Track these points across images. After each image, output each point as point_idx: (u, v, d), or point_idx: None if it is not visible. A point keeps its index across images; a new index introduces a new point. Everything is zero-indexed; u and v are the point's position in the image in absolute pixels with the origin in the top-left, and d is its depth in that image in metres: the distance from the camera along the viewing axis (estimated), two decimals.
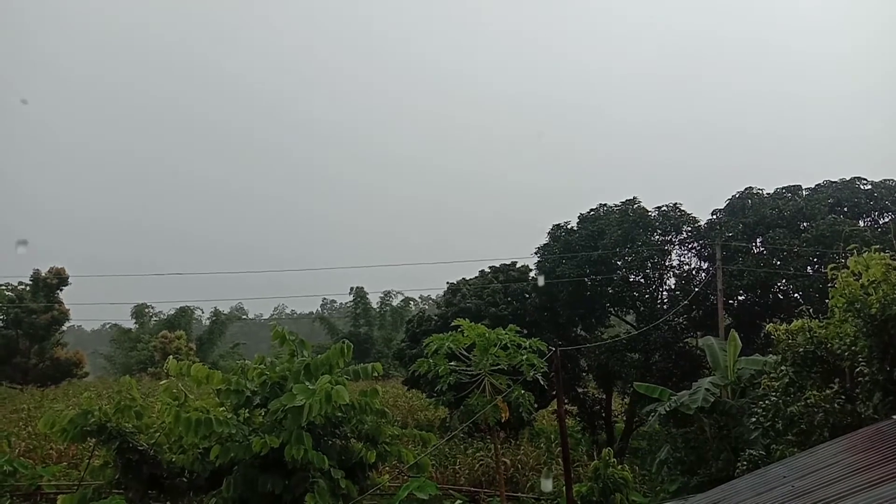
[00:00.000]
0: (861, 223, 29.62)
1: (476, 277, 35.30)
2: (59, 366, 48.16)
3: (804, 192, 31.46)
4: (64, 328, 52.10)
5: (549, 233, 33.65)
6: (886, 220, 29.59)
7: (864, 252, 13.29)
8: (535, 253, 33.66)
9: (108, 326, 78.49)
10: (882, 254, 12.86)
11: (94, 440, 13.70)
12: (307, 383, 12.21)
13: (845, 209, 30.10)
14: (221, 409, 13.03)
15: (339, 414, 13.05)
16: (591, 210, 33.22)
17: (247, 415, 13.29)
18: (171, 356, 16.92)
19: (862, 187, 30.75)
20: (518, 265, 35.19)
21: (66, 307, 49.17)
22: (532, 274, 34.29)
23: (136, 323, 66.02)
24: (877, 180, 30.80)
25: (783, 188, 31.90)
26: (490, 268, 35.62)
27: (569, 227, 33.23)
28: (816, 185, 31.68)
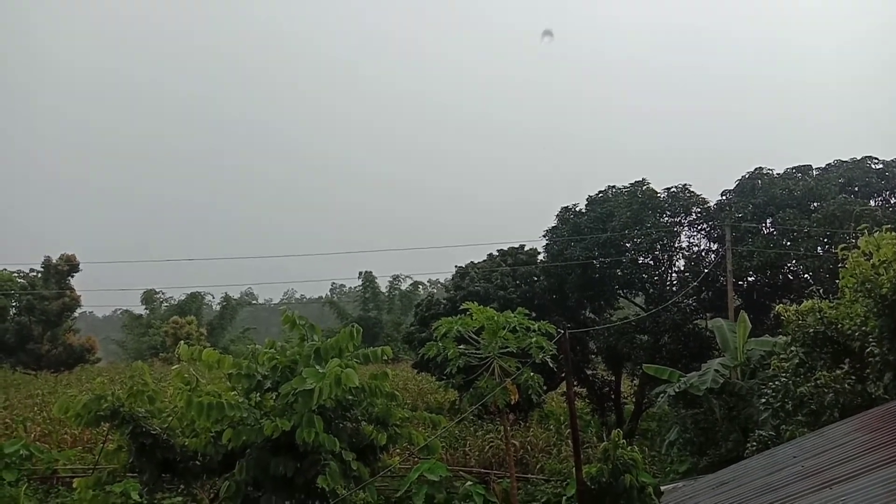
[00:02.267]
0: (872, 203, 29.34)
1: (484, 261, 35.27)
2: (72, 351, 48.67)
3: (814, 172, 31.19)
4: (76, 314, 52.62)
5: (557, 215, 33.55)
6: None
7: (876, 232, 13.21)
8: (544, 236, 33.59)
9: (119, 312, 79.11)
10: (893, 233, 12.77)
11: (107, 425, 13.87)
12: (317, 367, 12.27)
13: (856, 189, 29.81)
14: (233, 393, 13.14)
15: (350, 397, 13.13)
16: (600, 192, 33.06)
17: (258, 399, 13.40)
18: (182, 341, 17.07)
19: (873, 167, 30.44)
20: (526, 248, 35.13)
21: (78, 293, 49.65)
22: (541, 257, 34.23)
23: (146, 309, 66.51)
24: (888, 159, 30.49)
25: (793, 168, 31.63)
26: (498, 251, 35.56)
27: (577, 209, 33.10)
28: (827, 165, 31.39)
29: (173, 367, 15.62)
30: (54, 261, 49.15)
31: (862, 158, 30.84)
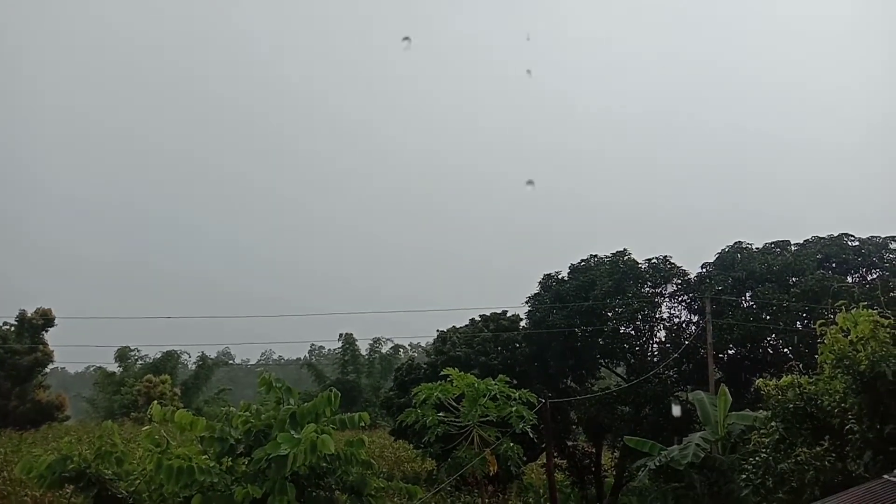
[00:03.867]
0: (849, 279, 29.84)
1: (466, 326, 35.16)
2: (41, 408, 47.19)
3: (792, 248, 31.79)
4: (47, 370, 51.31)
5: (539, 282, 33.74)
6: (874, 276, 29.81)
7: (853, 308, 13.37)
8: (526, 302, 33.69)
9: (91, 369, 77.33)
10: (870, 310, 12.93)
11: (71, 487, 13.36)
12: (292, 432, 12.02)
13: (833, 265, 30.36)
14: (204, 456, 12.77)
15: (325, 464, 12.81)
16: (582, 261, 33.42)
17: (230, 463, 13.03)
18: (155, 401, 16.67)
19: (850, 244, 31.09)
20: (509, 314, 35.12)
21: (51, 349, 48.56)
22: (523, 323, 34.22)
23: (120, 366, 65.10)
24: (864, 237, 31.19)
25: (772, 243, 32.23)
26: (480, 316, 35.52)
27: (560, 277, 33.34)
28: (805, 241, 32.03)
29: (144, 428, 15.20)
30: (29, 314, 48.28)
31: (839, 235, 31.53)
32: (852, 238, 31.32)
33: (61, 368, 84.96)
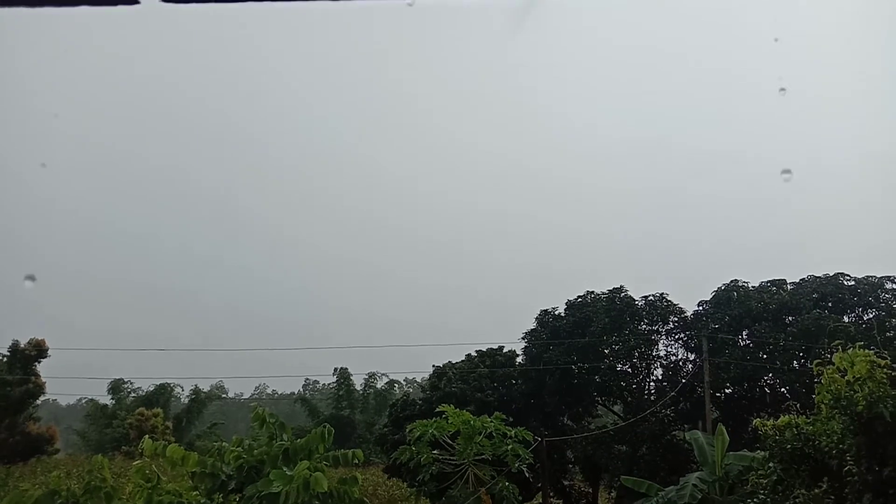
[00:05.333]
0: (846, 318, 29.82)
1: (462, 361, 34.96)
2: (30, 441, 46.55)
3: (789, 287, 31.83)
4: (38, 402, 50.76)
5: (536, 318, 33.69)
6: (870, 315, 29.83)
7: (849, 348, 13.36)
8: (523, 338, 33.59)
9: (83, 401, 76.51)
10: (867, 350, 12.92)
11: None
12: (285, 469, 11.88)
13: (830, 304, 30.38)
14: (195, 493, 12.58)
15: (317, 502, 12.61)
16: (579, 297, 33.40)
17: (221, 500, 12.82)
18: (146, 435, 16.48)
19: (845, 283, 31.14)
20: (505, 350, 34.98)
21: (43, 380, 48.10)
22: (519, 359, 34.06)
23: (112, 398, 64.46)
24: (859, 276, 31.27)
25: (768, 282, 32.29)
26: (477, 351, 35.35)
27: (556, 312, 33.30)
28: (801, 280, 32.09)
29: (135, 463, 15.00)
30: (22, 345, 47.94)
31: (835, 275, 31.60)
32: (848, 277, 31.40)
33: (53, 400, 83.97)
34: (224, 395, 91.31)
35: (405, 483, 31.15)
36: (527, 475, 19.19)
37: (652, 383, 31.80)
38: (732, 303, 30.87)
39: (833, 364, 13.27)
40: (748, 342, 30.02)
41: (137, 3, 0.89)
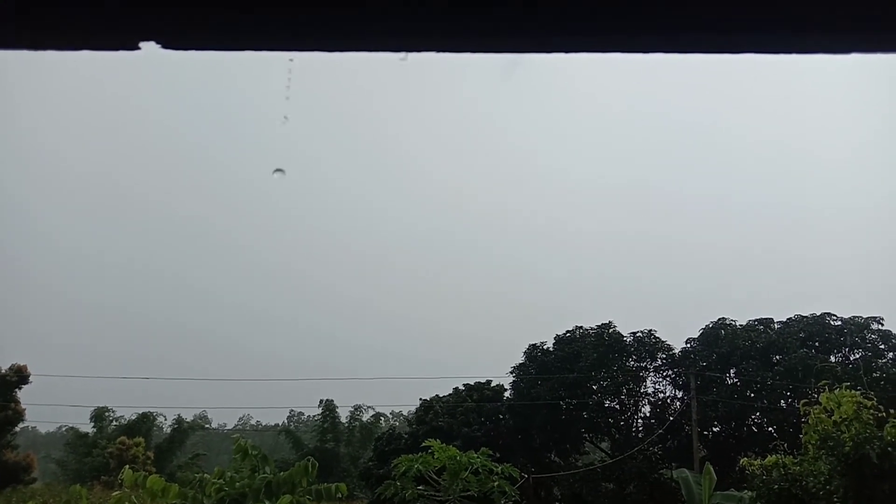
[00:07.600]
0: (832, 358, 29.92)
1: (450, 395, 34.69)
2: (7, 469, 45.54)
3: (776, 326, 31.94)
4: (17, 429, 49.86)
5: (524, 353, 33.56)
6: (857, 356, 29.94)
7: (836, 388, 13.39)
8: (511, 372, 33.43)
9: (63, 429, 75.17)
10: (853, 391, 12.96)
11: None
12: (267, 502, 11.68)
13: (816, 343, 30.47)
14: None
15: None
16: (568, 332, 33.35)
17: None
18: (126, 465, 16.18)
19: (832, 323, 31.29)
20: (493, 384, 34.75)
21: (23, 407, 47.32)
22: (507, 394, 33.84)
23: (94, 427, 63.38)
24: (846, 316, 31.42)
25: (755, 320, 32.38)
26: (464, 385, 35.11)
27: (545, 347, 33.21)
28: (788, 319, 32.21)
29: (114, 494, 14.71)
30: (4, 370, 47.21)
31: (821, 315, 31.75)
32: (834, 317, 31.55)
33: (32, 427, 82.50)
34: (207, 426, 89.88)
35: None
36: None
37: (640, 420, 31.65)
38: (720, 340, 30.91)
39: (820, 404, 13.29)
40: (736, 380, 30.02)
41: (138, 49, 0.91)
